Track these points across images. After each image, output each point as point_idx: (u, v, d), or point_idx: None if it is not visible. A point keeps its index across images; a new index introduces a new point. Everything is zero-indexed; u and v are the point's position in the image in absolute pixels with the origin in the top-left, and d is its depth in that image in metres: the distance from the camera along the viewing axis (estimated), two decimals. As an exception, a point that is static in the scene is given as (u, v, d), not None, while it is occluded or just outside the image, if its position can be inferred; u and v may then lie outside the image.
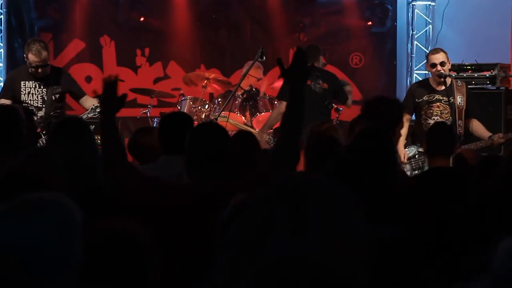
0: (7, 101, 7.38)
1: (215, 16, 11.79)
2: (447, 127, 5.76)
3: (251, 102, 9.23)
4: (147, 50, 11.73)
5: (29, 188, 2.66)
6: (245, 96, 9.25)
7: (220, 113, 8.29)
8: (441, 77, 7.62)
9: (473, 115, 7.69)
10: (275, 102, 9.18)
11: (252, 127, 9.10)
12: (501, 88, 9.08)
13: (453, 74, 8.24)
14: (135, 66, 11.73)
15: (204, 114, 9.19)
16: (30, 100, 7.40)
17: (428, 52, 8.57)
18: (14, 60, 11.34)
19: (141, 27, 11.76)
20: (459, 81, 7.86)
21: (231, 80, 10.19)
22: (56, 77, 7.49)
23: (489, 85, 9.13)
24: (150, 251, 2.44)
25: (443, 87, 7.66)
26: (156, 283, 2.43)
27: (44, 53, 7.32)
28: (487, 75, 9.11)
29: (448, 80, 7.71)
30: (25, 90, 7.42)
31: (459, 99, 7.61)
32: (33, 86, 7.42)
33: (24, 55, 7.43)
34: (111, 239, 2.48)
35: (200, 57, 11.72)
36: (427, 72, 10.96)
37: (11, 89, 7.49)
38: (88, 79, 11.47)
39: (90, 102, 7.47)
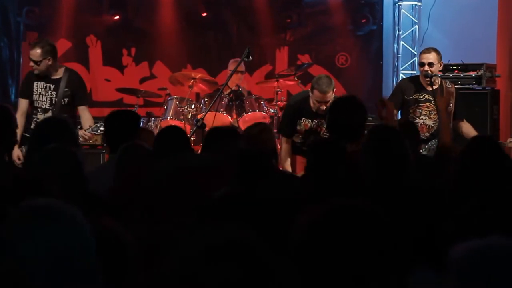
0: (24, 101, 7.44)
1: (201, 16, 11.78)
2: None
3: (238, 102, 9.21)
4: (133, 50, 11.70)
5: (32, 194, 2.67)
6: (231, 96, 9.23)
7: (207, 113, 8.26)
8: (427, 77, 7.55)
9: (461, 116, 7.68)
10: (262, 102, 9.16)
11: (238, 127, 9.08)
12: (487, 88, 9.10)
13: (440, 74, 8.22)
14: (121, 66, 11.70)
15: (190, 114, 9.17)
16: (40, 101, 7.37)
17: (419, 52, 8.45)
18: (0, 60, 11.29)
19: (127, 27, 11.73)
20: (448, 83, 7.81)
21: (218, 80, 10.17)
22: (67, 79, 7.40)
23: (475, 85, 9.15)
24: (132, 249, 2.47)
25: (432, 88, 7.60)
26: (136, 280, 2.46)
27: (36, 52, 7.27)
28: (473, 75, 9.13)
29: (438, 81, 7.66)
30: (36, 90, 7.40)
31: (450, 102, 7.58)
32: (43, 87, 7.38)
33: None
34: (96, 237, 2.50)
35: (186, 57, 11.69)
36: (413, 72, 11.01)
37: (26, 89, 7.49)
38: (74, 79, 11.43)
39: (85, 117, 7.34)
